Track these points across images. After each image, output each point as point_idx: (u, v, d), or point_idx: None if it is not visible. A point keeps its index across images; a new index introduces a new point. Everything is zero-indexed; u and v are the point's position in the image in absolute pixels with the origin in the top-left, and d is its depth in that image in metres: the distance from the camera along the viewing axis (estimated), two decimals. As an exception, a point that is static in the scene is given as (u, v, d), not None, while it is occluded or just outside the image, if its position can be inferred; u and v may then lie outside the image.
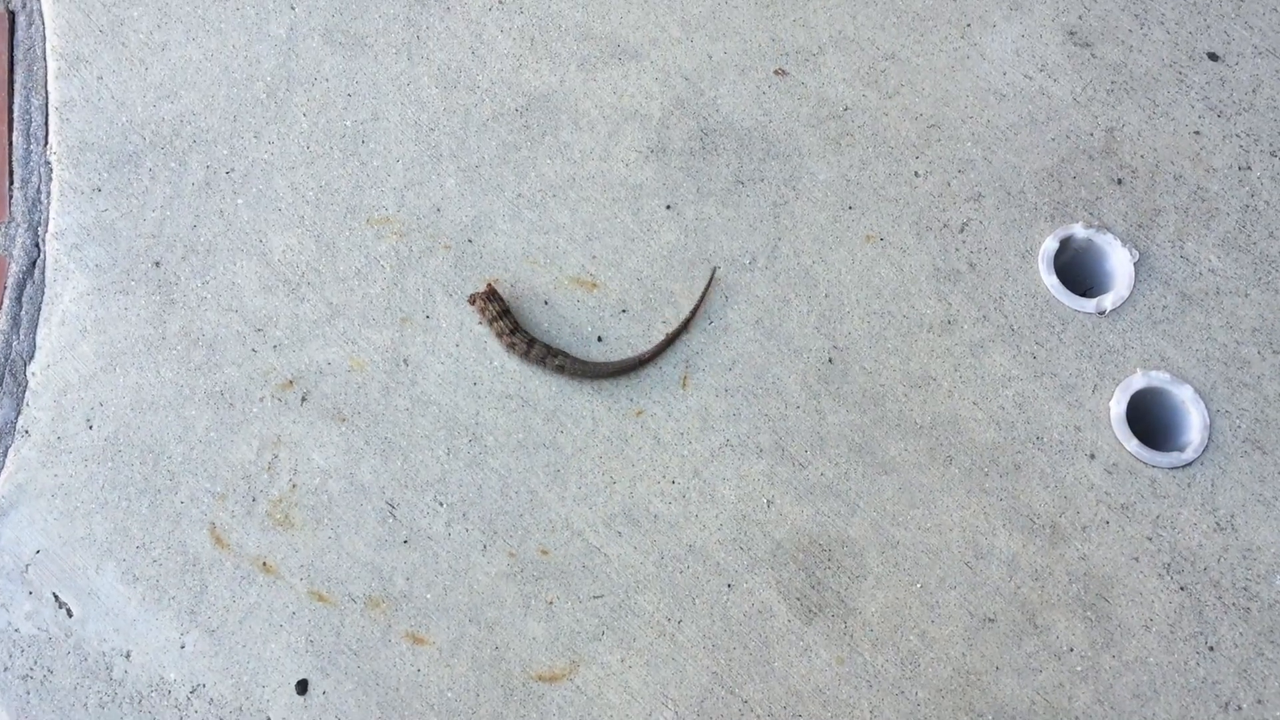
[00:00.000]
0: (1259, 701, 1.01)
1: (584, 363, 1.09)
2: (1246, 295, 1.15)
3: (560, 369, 1.09)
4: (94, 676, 0.99)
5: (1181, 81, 1.23)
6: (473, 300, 1.11)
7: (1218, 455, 1.09)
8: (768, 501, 1.07)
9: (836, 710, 1.00)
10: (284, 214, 1.15)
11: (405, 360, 1.11)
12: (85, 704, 0.99)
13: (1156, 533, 1.06)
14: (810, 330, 1.13)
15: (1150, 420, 1.12)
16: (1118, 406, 1.10)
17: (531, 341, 1.09)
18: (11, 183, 1.16)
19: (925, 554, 1.05)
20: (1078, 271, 1.18)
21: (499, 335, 1.10)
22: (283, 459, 1.07)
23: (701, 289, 1.13)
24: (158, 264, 1.13)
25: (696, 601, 1.04)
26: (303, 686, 1.00)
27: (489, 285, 1.11)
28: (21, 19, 1.23)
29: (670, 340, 1.11)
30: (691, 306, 1.12)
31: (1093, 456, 1.09)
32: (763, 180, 1.19)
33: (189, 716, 0.98)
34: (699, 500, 1.07)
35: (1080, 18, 1.26)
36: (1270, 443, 1.09)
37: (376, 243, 1.15)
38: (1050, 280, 1.15)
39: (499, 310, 1.10)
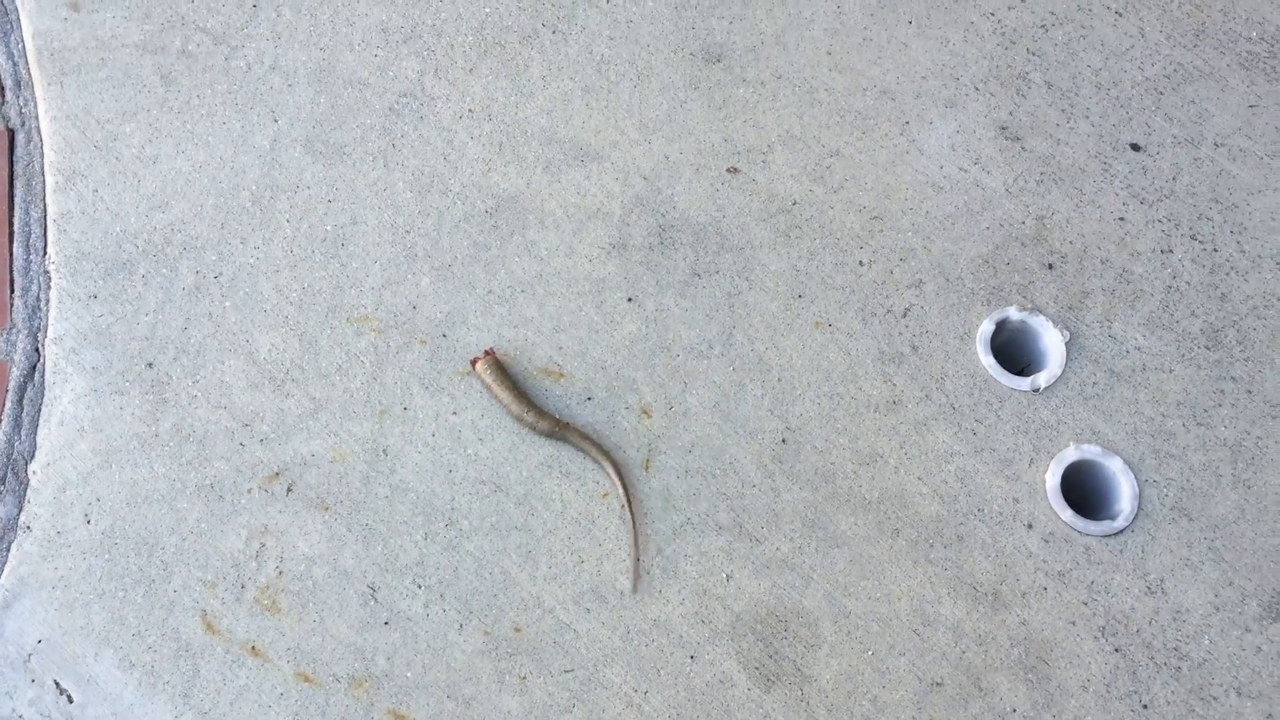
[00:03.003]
0: (1190, 756, 1.07)
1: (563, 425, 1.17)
2: (1171, 371, 1.23)
3: (550, 433, 1.17)
4: (93, 760, 1.05)
5: (1106, 171, 1.32)
6: (474, 363, 1.19)
7: (1147, 523, 1.16)
8: (727, 576, 1.14)
9: (794, 774, 1.06)
10: (269, 315, 1.23)
11: (384, 450, 1.18)
12: (85, 786, 1.05)
13: (1091, 597, 1.13)
14: (764, 413, 1.21)
15: (1083, 491, 1.19)
16: (1053, 478, 1.18)
17: (529, 404, 1.18)
18: (12, 291, 1.23)
19: (876, 622, 1.12)
20: (1013, 351, 1.26)
21: (500, 397, 1.18)
22: (270, 547, 1.13)
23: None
24: (150, 365, 1.20)
25: (661, 673, 1.10)
26: (290, 764, 1.05)
27: (488, 352, 1.20)
28: (21, 137, 1.31)
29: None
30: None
31: (1030, 526, 1.16)
32: (718, 272, 1.27)
33: (183, 796, 1.04)
34: (662, 576, 1.14)
35: (1011, 113, 1.35)
36: (1196, 510, 1.16)
37: (356, 340, 1.22)
38: (988, 360, 1.23)
39: (499, 375, 1.18)
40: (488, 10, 1.39)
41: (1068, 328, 1.24)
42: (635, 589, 1.13)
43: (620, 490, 1.15)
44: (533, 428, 1.17)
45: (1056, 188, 1.32)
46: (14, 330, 1.22)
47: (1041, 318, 1.25)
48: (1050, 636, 1.12)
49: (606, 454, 1.16)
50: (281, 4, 1.39)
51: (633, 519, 1.15)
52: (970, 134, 1.34)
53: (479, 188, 1.30)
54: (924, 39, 1.39)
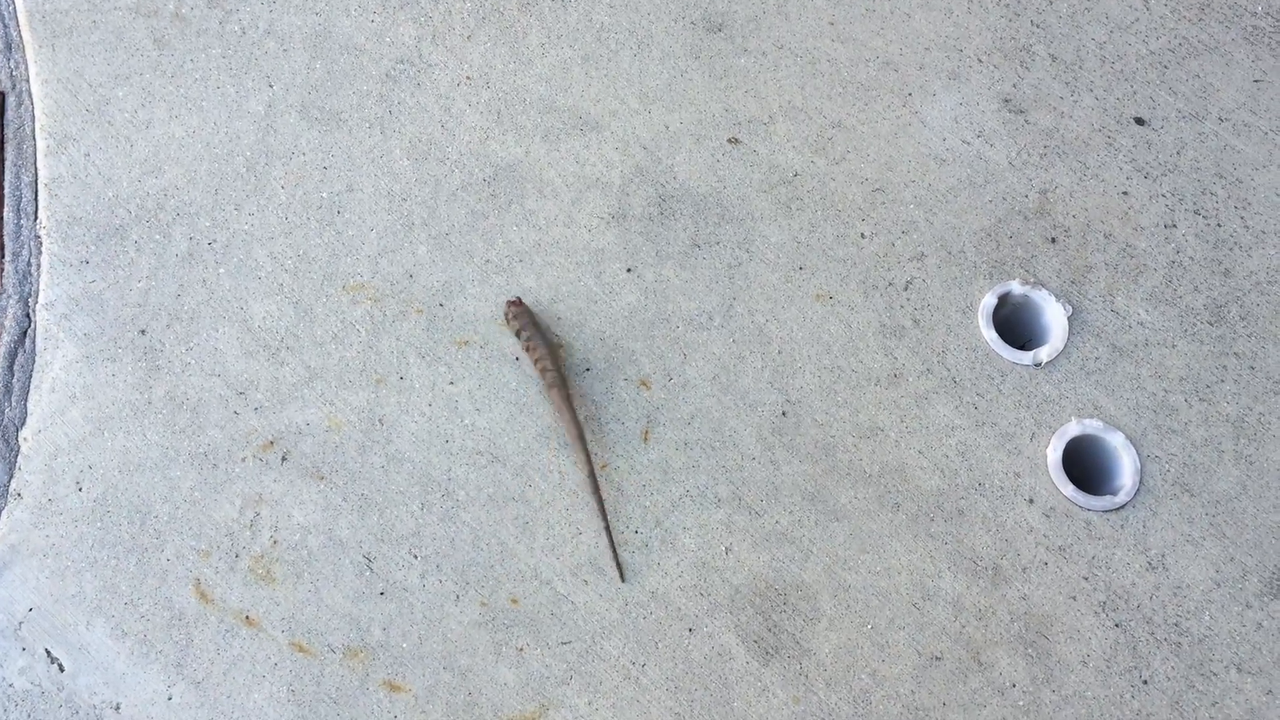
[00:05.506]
0: (1190, 731, 1.07)
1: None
2: (1173, 346, 1.22)
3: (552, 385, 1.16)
4: (85, 729, 1.04)
5: (1110, 145, 1.31)
6: (507, 311, 1.19)
7: (1148, 498, 1.16)
8: (726, 549, 1.13)
9: (793, 747, 1.06)
10: (264, 282, 1.21)
11: (380, 420, 1.16)
12: (76, 755, 1.04)
13: (1092, 572, 1.12)
14: (765, 385, 1.20)
15: (1085, 466, 1.19)
16: (1054, 453, 1.17)
17: (543, 350, 1.17)
18: (2, 256, 1.22)
19: (875, 596, 1.12)
20: (1015, 326, 1.25)
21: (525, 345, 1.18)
22: (264, 516, 1.12)
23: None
24: (143, 332, 1.19)
25: (659, 645, 1.09)
26: (285, 734, 1.05)
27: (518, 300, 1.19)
28: (11, 100, 1.29)
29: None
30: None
31: (1031, 501, 1.15)
32: (718, 243, 1.26)
33: (176, 765, 1.03)
34: (660, 549, 1.13)
35: (1014, 86, 1.34)
36: (1197, 485, 1.16)
37: (352, 308, 1.21)
38: (989, 334, 1.22)
39: (527, 321, 1.18)
40: (486, -24, 1.38)
41: (1070, 302, 1.23)
42: (623, 577, 1.12)
43: (586, 469, 1.14)
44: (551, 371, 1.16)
45: (1060, 161, 1.30)
46: (4, 295, 1.20)
47: (1044, 292, 1.24)
48: (1050, 611, 1.11)
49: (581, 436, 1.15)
50: (277, -32, 1.37)
51: (602, 511, 1.14)
52: (974, 106, 1.33)
53: (477, 156, 1.29)
54: (927, 10, 1.38)
